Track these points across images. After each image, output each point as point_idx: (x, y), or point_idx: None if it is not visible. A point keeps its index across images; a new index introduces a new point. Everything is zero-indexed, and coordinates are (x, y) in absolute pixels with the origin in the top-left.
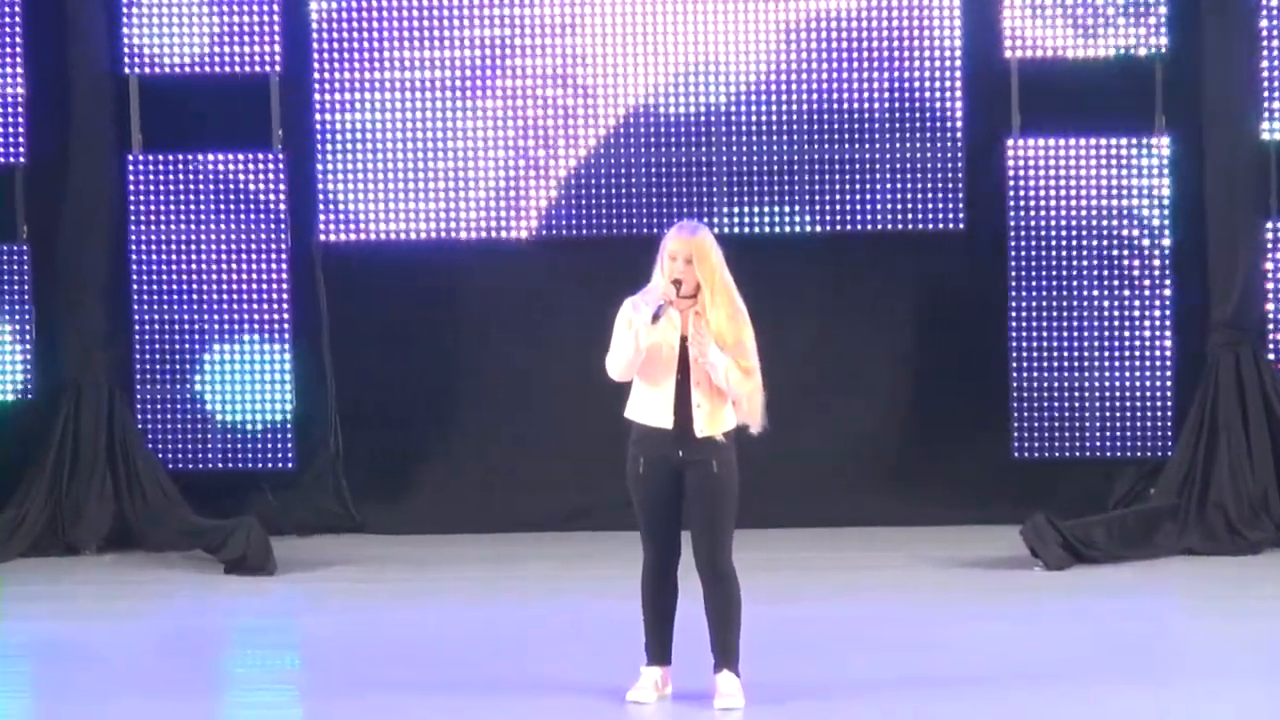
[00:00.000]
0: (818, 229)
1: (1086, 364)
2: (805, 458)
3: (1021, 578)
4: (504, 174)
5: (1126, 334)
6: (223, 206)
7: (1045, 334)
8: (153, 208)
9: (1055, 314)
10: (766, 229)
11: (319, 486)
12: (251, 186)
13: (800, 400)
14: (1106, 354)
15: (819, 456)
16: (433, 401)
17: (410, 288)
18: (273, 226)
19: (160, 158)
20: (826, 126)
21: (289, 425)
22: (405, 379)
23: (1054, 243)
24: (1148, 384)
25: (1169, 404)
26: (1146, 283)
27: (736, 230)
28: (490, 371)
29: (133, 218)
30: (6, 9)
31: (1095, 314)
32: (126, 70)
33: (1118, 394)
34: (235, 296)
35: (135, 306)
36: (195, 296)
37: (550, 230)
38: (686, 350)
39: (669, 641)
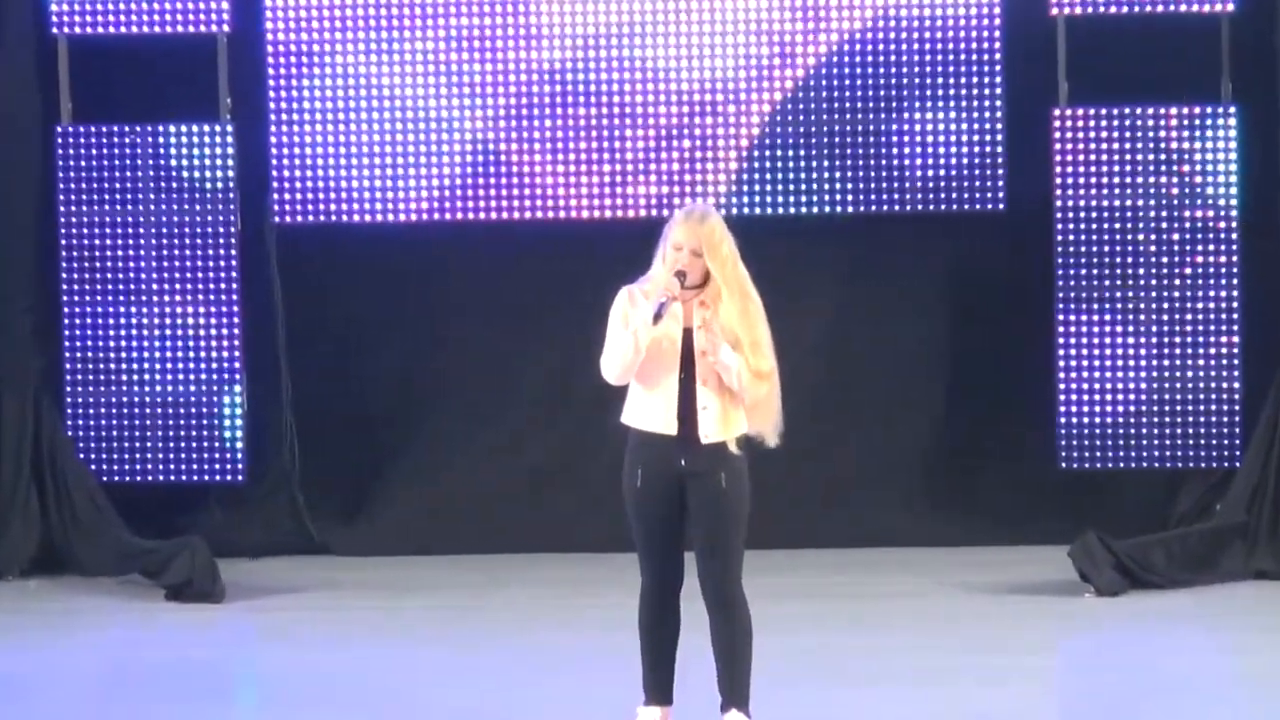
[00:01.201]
0: (838, 210)
1: (1143, 362)
2: (824, 469)
3: (1069, 605)
4: (483, 148)
5: (1189, 328)
6: (163, 185)
7: (1096, 328)
8: (84, 186)
9: (1107, 305)
10: (781, 210)
11: (273, 502)
12: (196, 162)
13: (819, 404)
14: (1166, 350)
15: (840, 468)
16: (403, 405)
17: (377, 277)
18: (220, 208)
19: (92, 130)
20: (849, 96)
21: (239, 432)
22: (371, 379)
23: (1106, 225)
24: (1213, 385)
25: (1237, 408)
26: (1211, 270)
27: (747, 212)
28: (468, 371)
29: (61, 198)
30: None
31: (1153, 305)
32: (54, 30)
33: (1179, 396)
34: (178, 287)
35: (64, 299)
36: (132, 287)
37: (537, 213)
38: (691, 344)
39: (670, 678)
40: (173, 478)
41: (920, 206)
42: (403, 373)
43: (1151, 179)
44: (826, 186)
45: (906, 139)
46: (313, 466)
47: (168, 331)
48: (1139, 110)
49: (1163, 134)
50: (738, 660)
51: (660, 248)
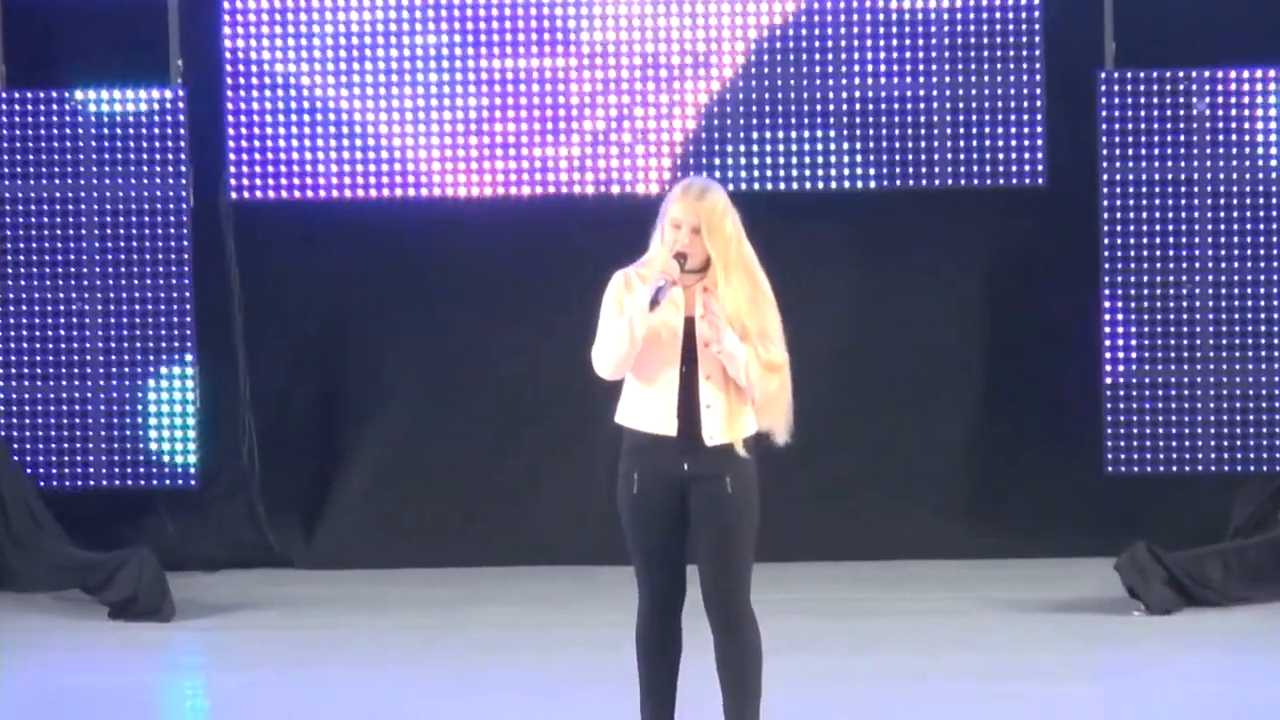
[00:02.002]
0: (857, 186)
1: (1199, 355)
2: (843, 474)
3: (1116, 624)
4: (461, 116)
5: (1249, 316)
6: (108, 157)
7: (1147, 316)
8: (19, 159)
9: (1159, 291)
10: (795, 186)
11: (229, 509)
12: (144, 132)
13: (836, 402)
14: (1224, 342)
15: (859, 472)
16: (373, 402)
17: (344, 259)
18: (171, 182)
19: (29, 96)
20: (869, 59)
21: (191, 432)
22: (338, 374)
23: (1157, 201)
24: (1276, 380)
25: None
26: (1275, 252)
27: (757, 188)
28: (444, 364)
29: None
30: None
31: (1210, 291)
32: None
33: (1238, 392)
34: (124, 270)
35: None
36: (73, 270)
37: (523, 188)
38: (693, 335)
39: (671, 706)
40: (117, 483)
41: (949, 181)
42: (373, 366)
43: (1207, 150)
44: (844, 160)
45: (934, 106)
46: (273, 470)
47: (111, 320)
48: (1194, 74)
49: (1220, 100)
50: (747, 686)
51: (658, 226)
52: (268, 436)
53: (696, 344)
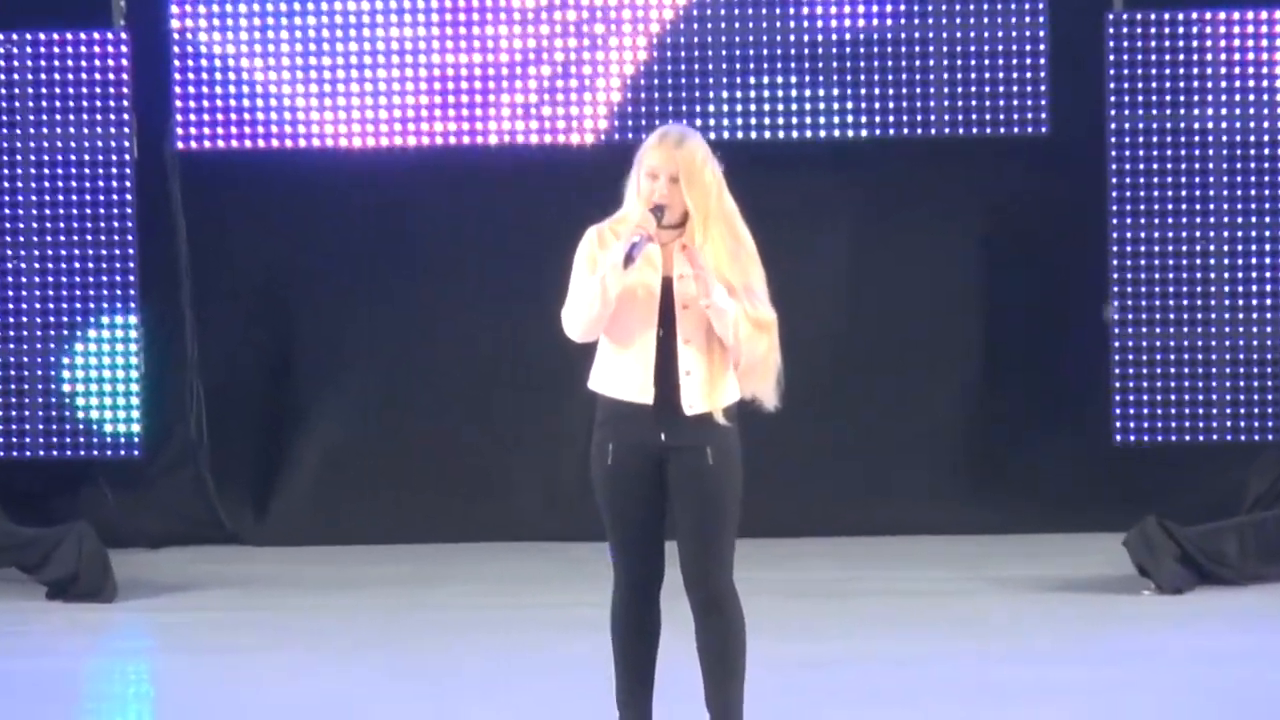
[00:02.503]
0: (848, 135)
1: (1213, 316)
2: (833, 443)
3: (1125, 605)
4: (425, 59)
5: (1267, 275)
6: (45, 104)
7: (1158, 275)
8: None
9: (1170, 249)
10: (782, 135)
11: (175, 482)
12: (84, 76)
13: (830, 369)
14: (1240, 303)
15: (852, 442)
16: (329, 369)
17: (299, 215)
18: (113, 130)
19: None
20: None
21: (134, 399)
22: (293, 338)
23: (1169, 151)
24: None
25: None
26: None
27: (740, 136)
28: (404, 327)
29: None
30: None
31: (1224, 249)
32: None
33: (1255, 356)
34: (62, 224)
35: None
36: (7, 224)
37: (490, 138)
38: (671, 295)
39: (649, 694)
40: (55, 453)
41: (945, 130)
42: (331, 328)
43: (1223, 98)
44: (832, 107)
45: (929, 48)
46: (223, 440)
47: (49, 279)
48: (1207, 15)
49: (1237, 43)
50: (728, 671)
51: (632, 178)
52: (217, 403)
53: (675, 305)
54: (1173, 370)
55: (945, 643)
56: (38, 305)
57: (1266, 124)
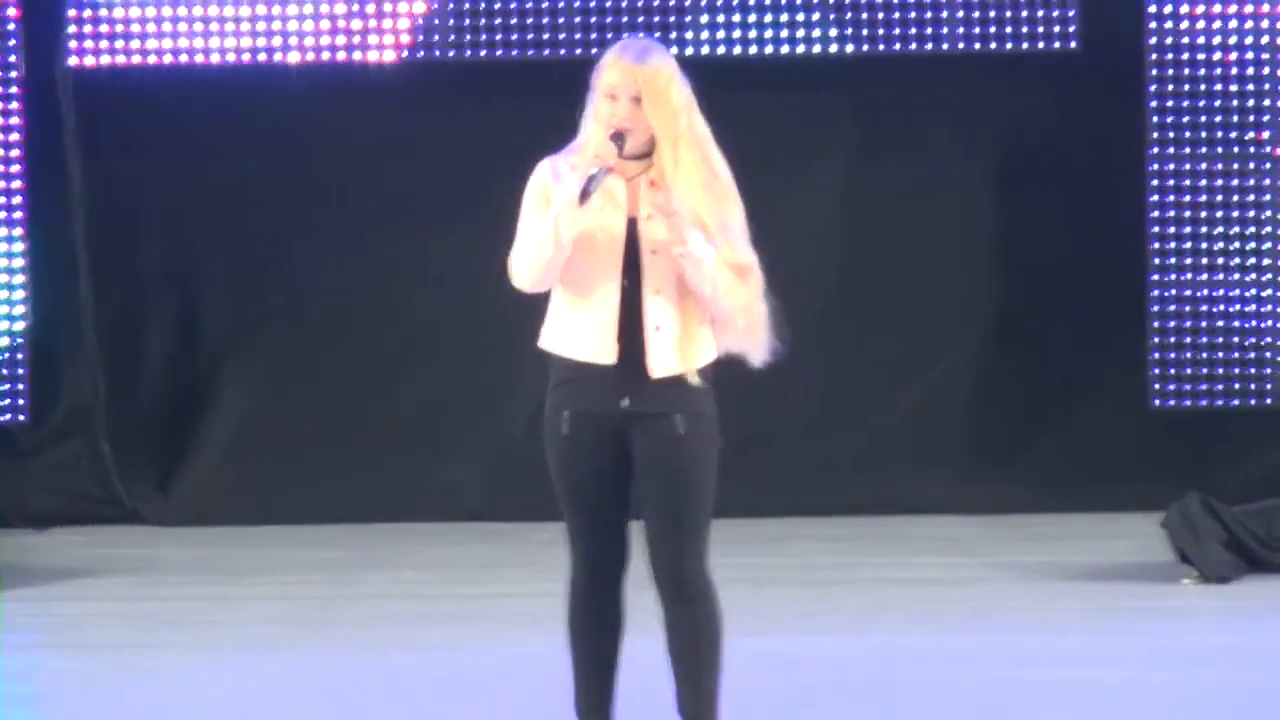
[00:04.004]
0: (847, 50)
1: (1265, 263)
2: (829, 410)
3: (1163, 596)
4: None
5: None
6: None
7: (1204, 214)
8: None
9: (1219, 183)
10: (767, 49)
11: (67, 453)
12: None
13: (826, 323)
14: None
15: (851, 408)
16: (245, 323)
17: (210, 141)
18: None
19: None
20: None
21: (21, 355)
22: (204, 287)
23: (1217, 71)
24: None
25: None
26: None
27: (717, 52)
28: (331, 276)
29: None
30: None
31: (1279, 183)
32: None
33: None
34: None
35: None
36: None
37: (425, 53)
38: (636, 239)
39: (610, 696)
40: None
41: (962, 45)
42: (245, 277)
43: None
44: (827, 18)
45: None
46: (123, 405)
47: None
48: None
49: None
50: (702, 668)
51: (590, 102)
52: (117, 364)
53: (641, 250)
54: (1219, 324)
55: (954, 638)
56: None
57: None
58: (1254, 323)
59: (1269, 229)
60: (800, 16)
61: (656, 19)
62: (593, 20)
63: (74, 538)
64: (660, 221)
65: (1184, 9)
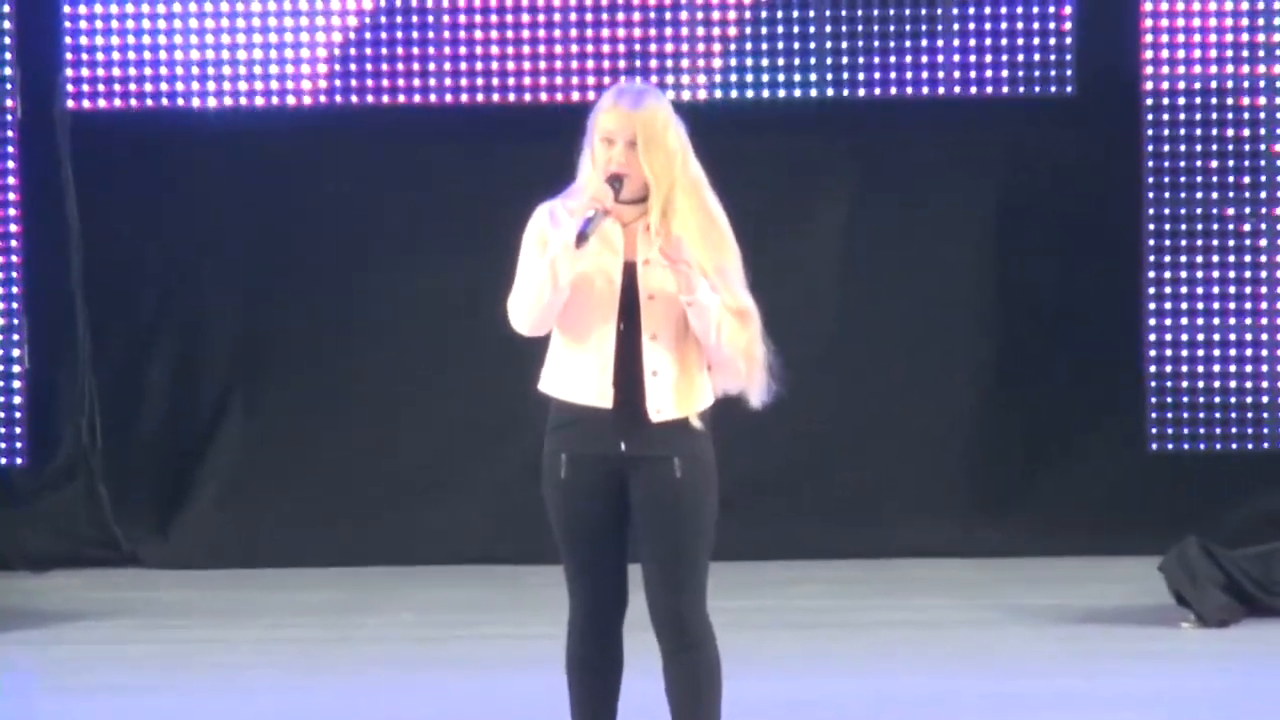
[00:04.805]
0: (845, 94)
1: (1264, 306)
2: (827, 453)
3: (1162, 639)
4: (362, 6)
5: None
6: None
7: (1199, 259)
8: None
9: (1215, 227)
10: (765, 94)
11: (65, 495)
12: None
13: (820, 364)
14: None
15: (850, 450)
16: (242, 366)
17: (208, 184)
18: None
19: None
20: None
21: (18, 399)
22: (200, 330)
23: (1213, 115)
24: None
25: None
26: None
27: (719, 96)
28: (328, 318)
29: None
30: None
31: (1277, 229)
32: None
33: None
34: None
35: None
36: None
37: (429, 96)
38: (634, 283)
39: None
40: None
41: (958, 90)
42: (244, 321)
43: (1277, 50)
44: (825, 62)
45: None
46: (120, 448)
47: None
48: None
49: None
50: (700, 712)
51: (585, 146)
52: (114, 403)
53: (639, 295)
54: (1216, 368)
55: (952, 682)
56: None
57: None
58: (1251, 366)
59: (1265, 273)
60: (796, 61)
61: (654, 63)
62: (589, 65)
63: (72, 580)
64: (662, 268)
65: (1180, 54)
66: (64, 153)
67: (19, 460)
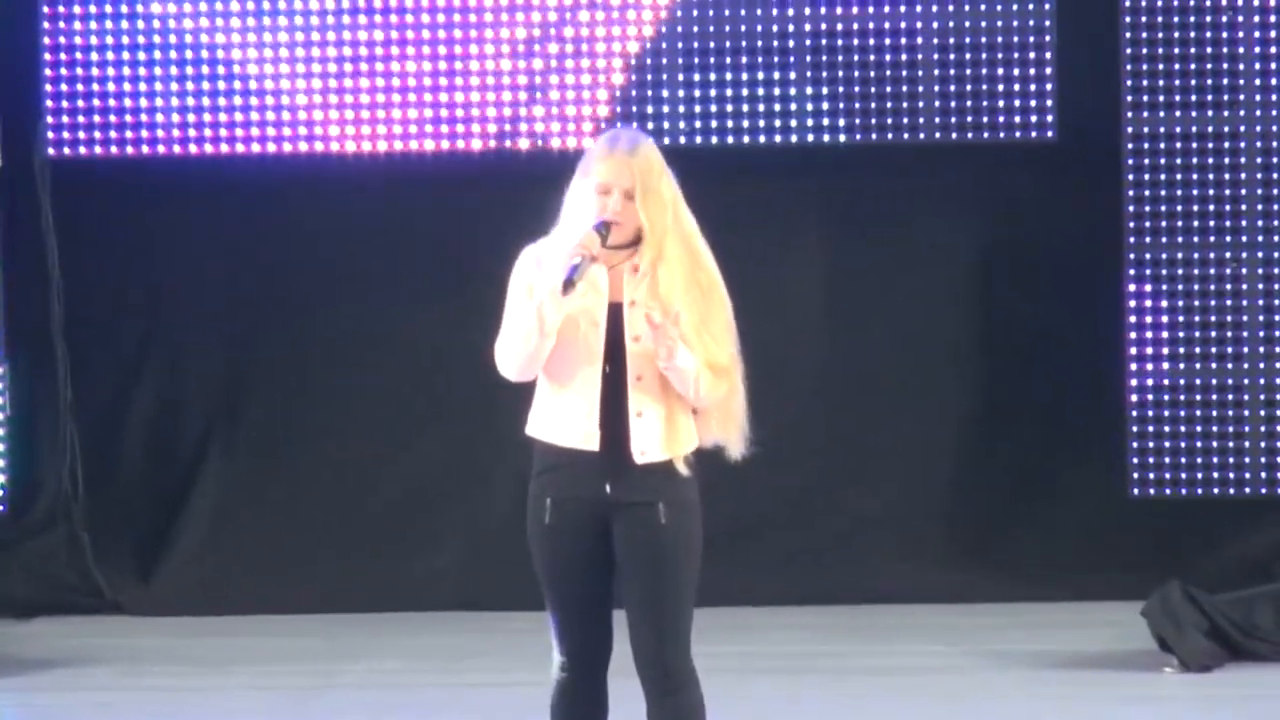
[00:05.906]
0: (827, 140)
1: (1244, 350)
2: (809, 498)
3: (1144, 684)
4: (343, 53)
5: None
6: None
7: (1180, 303)
8: None
9: (1196, 271)
10: (746, 140)
11: (45, 542)
12: None
13: (804, 408)
14: (1275, 334)
15: (832, 495)
16: (224, 411)
17: (189, 231)
18: None
19: None
20: None
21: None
22: (181, 375)
23: (1194, 160)
24: None
25: None
26: None
27: (701, 142)
28: (308, 363)
29: None
30: None
31: (1258, 272)
32: None
33: None
34: None
35: None
36: None
37: (410, 143)
38: (619, 325)
39: None
40: None
41: (939, 135)
42: (224, 368)
43: (1256, 95)
44: (807, 108)
45: (920, 43)
46: (102, 494)
47: None
48: (1239, 1)
49: (1273, 34)
50: None
51: (573, 189)
52: (95, 451)
53: (624, 337)
54: (1198, 412)
55: None
56: None
57: None
58: (1233, 410)
59: (1246, 317)
60: (777, 107)
61: (635, 108)
62: (569, 111)
63: (54, 628)
64: (645, 325)
65: (1161, 98)
66: (44, 199)
67: (0, 509)
